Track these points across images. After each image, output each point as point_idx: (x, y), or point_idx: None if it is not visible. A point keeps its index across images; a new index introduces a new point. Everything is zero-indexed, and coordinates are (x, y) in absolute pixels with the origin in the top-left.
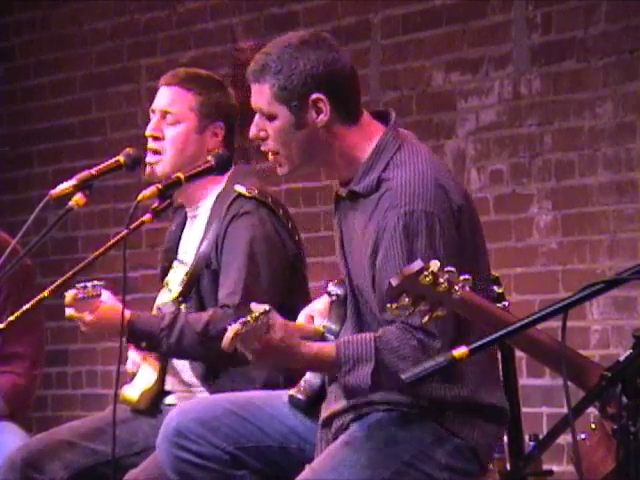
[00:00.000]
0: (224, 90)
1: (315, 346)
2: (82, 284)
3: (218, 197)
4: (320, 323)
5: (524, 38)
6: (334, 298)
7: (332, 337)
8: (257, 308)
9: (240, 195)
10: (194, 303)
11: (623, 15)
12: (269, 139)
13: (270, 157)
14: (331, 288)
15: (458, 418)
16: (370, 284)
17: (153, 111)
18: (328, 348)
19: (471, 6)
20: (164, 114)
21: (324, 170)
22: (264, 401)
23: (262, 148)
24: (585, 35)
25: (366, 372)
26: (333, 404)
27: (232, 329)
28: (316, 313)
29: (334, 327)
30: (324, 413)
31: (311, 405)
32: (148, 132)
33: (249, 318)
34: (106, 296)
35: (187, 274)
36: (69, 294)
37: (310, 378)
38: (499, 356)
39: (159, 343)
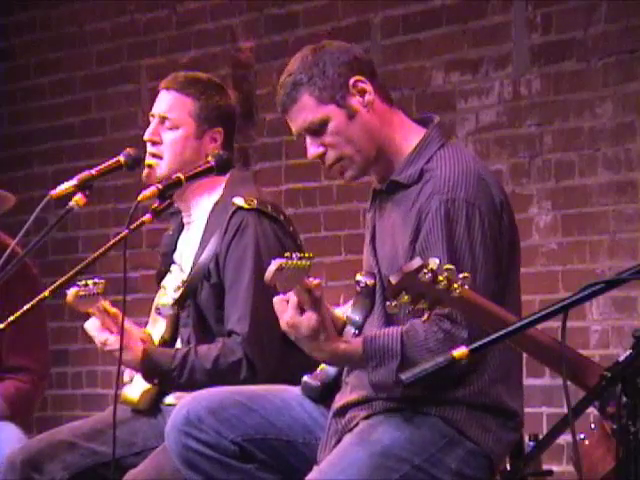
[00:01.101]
0: (224, 94)
1: (344, 341)
2: (82, 282)
3: (216, 205)
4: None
5: (524, 38)
6: (362, 286)
7: (353, 328)
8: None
9: (239, 208)
10: (192, 313)
11: (623, 15)
12: (328, 150)
13: (335, 168)
14: (359, 277)
15: (471, 417)
16: None
17: (152, 115)
18: (355, 343)
19: (471, 6)
20: (163, 119)
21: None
22: (273, 394)
23: (326, 164)
24: (585, 35)
25: (392, 368)
26: (348, 395)
27: (275, 262)
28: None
29: (357, 318)
30: (338, 402)
31: (324, 393)
32: (146, 136)
33: (293, 255)
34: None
35: (184, 282)
36: (71, 292)
37: (327, 366)
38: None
39: (170, 382)
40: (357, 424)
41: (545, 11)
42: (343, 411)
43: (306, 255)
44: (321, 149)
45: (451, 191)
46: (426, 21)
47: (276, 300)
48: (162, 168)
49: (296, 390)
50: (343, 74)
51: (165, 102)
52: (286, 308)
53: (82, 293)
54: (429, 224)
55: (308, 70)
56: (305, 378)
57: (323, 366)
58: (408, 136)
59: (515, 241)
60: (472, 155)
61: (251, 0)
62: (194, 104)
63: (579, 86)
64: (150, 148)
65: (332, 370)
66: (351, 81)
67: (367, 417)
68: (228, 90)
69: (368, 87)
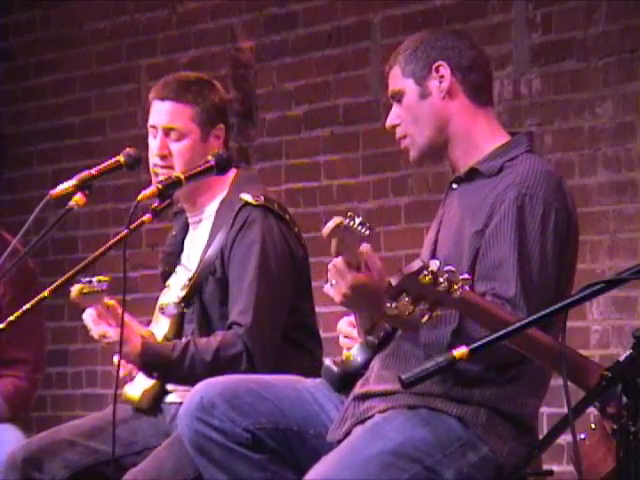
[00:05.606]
0: (215, 89)
1: None
2: (87, 279)
3: (222, 203)
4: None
5: (524, 38)
6: None
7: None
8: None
9: (246, 203)
10: (197, 309)
11: (623, 15)
12: (402, 123)
13: (402, 144)
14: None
15: (490, 423)
16: (467, 256)
17: (154, 127)
18: None
19: (471, 6)
20: (167, 131)
21: (445, 155)
22: (287, 384)
23: (396, 137)
24: (585, 35)
25: (447, 331)
26: (371, 384)
27: (334, 220)
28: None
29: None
30: (360, 388)
31: (344, 382)
32: (156, 152)
33: (356, 218)
34: (127, 318)
35: (191, 279)
36: (75, 288)
37: (355, 353)
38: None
39: (170, 376)
40: (372, 416)
41: (545, 11)
42: (363, 398)
43: (367, 225)
44: (396, 121)
45: (531, 187)
46: (426, 21)
47: (330, 265)
48: None
49: (309, 381)
50: (431, 56)
51: (165, 113)
52: (342, 273)
53: (86, 290)
54: (504, 211)
55: (410, 45)
56: (327, 362)
57: (349, 355)
58: (491, 136)
59: (576, 249)
60: (554, 167)
61: (251, 0)
62: (193, 110)
63: (579, 86)
64: (159, 161)
65: (358, 361)
66: (434, 64)
67: (384, 410)
68: (216, 84)
69: (448, 75)
